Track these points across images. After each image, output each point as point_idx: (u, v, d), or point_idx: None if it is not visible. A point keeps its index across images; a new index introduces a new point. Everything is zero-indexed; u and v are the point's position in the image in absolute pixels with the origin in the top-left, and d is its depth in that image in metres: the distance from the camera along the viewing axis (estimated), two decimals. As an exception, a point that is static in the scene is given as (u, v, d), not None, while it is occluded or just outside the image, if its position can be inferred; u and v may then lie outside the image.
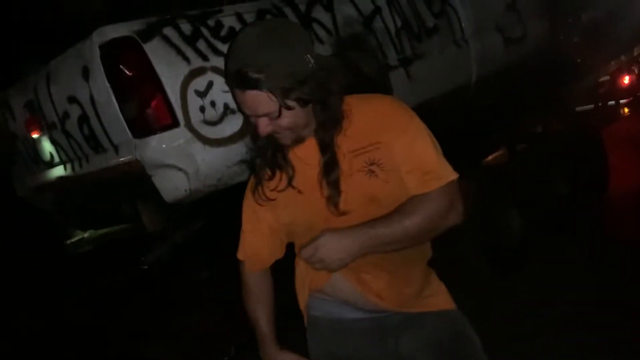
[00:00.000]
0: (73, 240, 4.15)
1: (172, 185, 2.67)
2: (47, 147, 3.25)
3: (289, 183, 1.33)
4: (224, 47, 2.74)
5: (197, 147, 2.65)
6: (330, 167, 1.27)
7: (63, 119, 2.97)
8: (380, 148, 1.26)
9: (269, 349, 1.52)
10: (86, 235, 4.15)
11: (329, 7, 3.19)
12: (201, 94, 2.65)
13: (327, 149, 1.27)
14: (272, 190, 1.36)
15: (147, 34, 2.55)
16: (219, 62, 2.70)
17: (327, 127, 1.27)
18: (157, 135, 2.58)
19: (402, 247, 1.27)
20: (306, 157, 1.32)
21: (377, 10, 3.43)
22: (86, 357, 2.67)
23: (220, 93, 2.68)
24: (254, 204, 1.41)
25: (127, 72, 2.53)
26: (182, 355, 2.37)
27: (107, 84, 2.56)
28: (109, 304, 3.27)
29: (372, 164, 1.27)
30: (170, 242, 3.84)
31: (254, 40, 1.21)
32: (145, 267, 3.75)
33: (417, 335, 1.42)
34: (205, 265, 3.34)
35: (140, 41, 2.52)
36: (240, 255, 1.52)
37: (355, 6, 3.33)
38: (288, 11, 3.01)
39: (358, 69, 3.20)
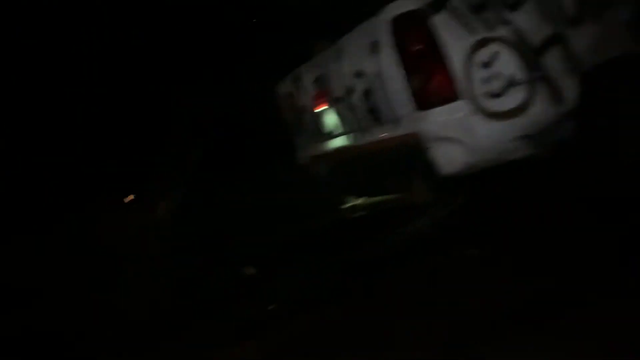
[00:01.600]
0: (347, 205, 4.56)
1: (449, 158, 2.68)
2: (331, 119, 3.57)
3: None
4: (511, 16, 2.62)
5: (478, 120, 2.60)
6: None
7: (349, 93, 3.22)
8: None
9: None
10: (359, 202, 4.51)
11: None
12: (486, 65, 2.58)
13: None
14: None
15: (436, 6, 2.58)
16: (506, 31, 2.59)
17: None
18: (439, 108, 2.62)
19: None
20: None
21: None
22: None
23: (505, 64, 2.58)
24: None
25: (416, 46, 2.61)
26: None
27: (396, 58, 2.67)
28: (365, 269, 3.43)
29: None
30: (433, 216, 3.91)
31: None
32: (404, 238, 3.89)
33: None
34: (475, 243, 3.29)
35: (429, 14, 2.57)
36: None
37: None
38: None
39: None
